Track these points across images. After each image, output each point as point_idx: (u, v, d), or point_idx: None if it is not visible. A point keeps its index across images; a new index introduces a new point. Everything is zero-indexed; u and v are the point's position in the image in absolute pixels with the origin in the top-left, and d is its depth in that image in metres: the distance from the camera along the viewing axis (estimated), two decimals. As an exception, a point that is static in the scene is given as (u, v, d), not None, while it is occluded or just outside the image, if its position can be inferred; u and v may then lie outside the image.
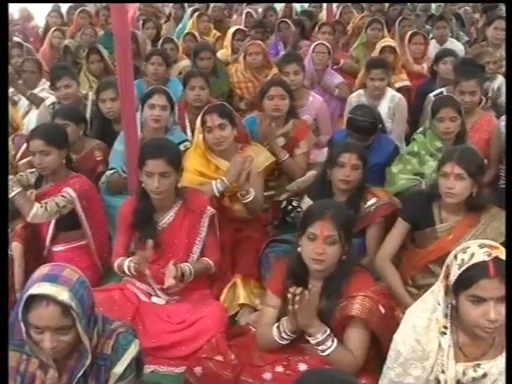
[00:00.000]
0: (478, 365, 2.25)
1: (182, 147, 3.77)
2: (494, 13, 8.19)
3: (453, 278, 2.18)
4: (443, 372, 2.27)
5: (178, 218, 3.26)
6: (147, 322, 3.11)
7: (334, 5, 8.42)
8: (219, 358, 2.77)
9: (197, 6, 9.06)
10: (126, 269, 3.18)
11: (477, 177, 3.03)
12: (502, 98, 5.29)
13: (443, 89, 4.97)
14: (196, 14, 7.67)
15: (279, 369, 2.69)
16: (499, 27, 6.08)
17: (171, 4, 9.49)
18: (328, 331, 2.60)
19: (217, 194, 3.59)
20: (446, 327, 2.26)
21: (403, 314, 2.96)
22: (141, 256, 3.07)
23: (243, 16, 8.10)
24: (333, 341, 2.59)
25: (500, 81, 5.37)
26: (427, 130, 4.02)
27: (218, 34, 7.75)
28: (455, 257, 2.20)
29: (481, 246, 2.15)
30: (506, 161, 2.85)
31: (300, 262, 2.69)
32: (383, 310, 2.60)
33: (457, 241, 3.02)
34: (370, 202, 3.39)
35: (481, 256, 2.11)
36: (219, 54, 6.55)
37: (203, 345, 2.93)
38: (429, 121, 4.02)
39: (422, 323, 2.31)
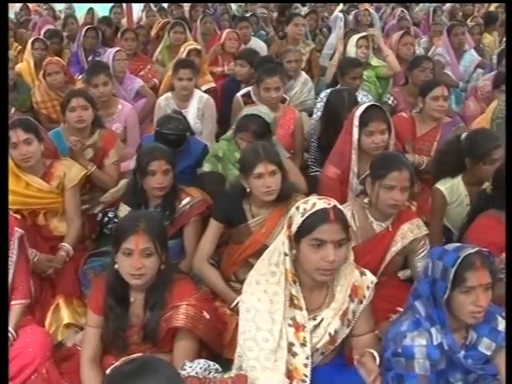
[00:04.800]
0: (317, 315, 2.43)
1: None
2: (291, 11, 8.68)
3: (295, 226, 2.32)
4: (290, 325, 2.39)
5: (-16, 243, 3.04)
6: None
7: (136, 10, 8.38)
8: (52, 388, 2.65)
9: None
10: None
11: (283, 169, 3.16)
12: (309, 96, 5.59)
13: (249, 88, 5.13)
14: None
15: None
16: (299, 23, 6.50)
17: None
18: None
19: None
20: (295, 275, 2.40)
21: (230, 310, 3.05)
22: None
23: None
24: None
25: (303, 78, 5.66)
26: (231, 140, 4.01)
27: (20, 46, 7.37)
28: (297, 208, 2.35)
29: (320, 198, 2.36)
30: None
31: (119, 278, 2.62)
32: (208, 316, 2.64)
33: (270, 232, 3.15)
34: (184, 201, 3.43)
35: (321, 204, 2.30)
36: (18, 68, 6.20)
37: (30, 375, 2.76)
38: (233, 132, 3.98)
39: (264, 277, 2.44)
